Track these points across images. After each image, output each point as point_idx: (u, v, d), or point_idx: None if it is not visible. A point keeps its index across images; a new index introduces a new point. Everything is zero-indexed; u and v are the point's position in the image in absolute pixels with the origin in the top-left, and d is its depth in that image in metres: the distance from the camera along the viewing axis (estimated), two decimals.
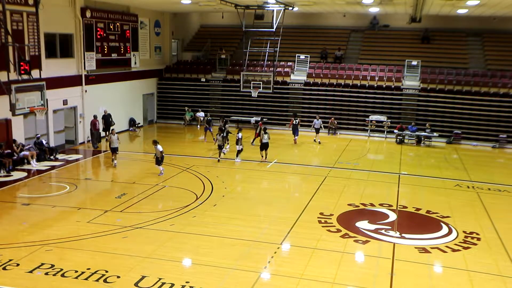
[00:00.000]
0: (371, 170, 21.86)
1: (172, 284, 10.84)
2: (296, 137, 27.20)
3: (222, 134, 22.80)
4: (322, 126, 28.21)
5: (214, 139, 25.87)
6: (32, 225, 14.28)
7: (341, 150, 25.75)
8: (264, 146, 22.84)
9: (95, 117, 25.07)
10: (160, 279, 11.05)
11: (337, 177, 20.57)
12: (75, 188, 18.02)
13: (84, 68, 25.74)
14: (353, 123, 30.87)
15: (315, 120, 28.04)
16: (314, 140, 27.62)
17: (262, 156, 22.89)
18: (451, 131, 29.02)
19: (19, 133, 21.59)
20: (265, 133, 22.78)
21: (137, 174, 20.66)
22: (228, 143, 24.69)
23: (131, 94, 30.71)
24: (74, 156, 23.32)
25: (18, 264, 11.66)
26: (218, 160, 22.72)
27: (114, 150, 21.30)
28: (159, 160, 19.99)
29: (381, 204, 17.04)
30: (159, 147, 19.74)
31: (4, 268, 11.44)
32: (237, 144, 23.01)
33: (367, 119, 30.26)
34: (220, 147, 22.72)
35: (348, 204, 16.92)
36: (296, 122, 27.27)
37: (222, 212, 15.84)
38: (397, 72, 31.97)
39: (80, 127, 25.91)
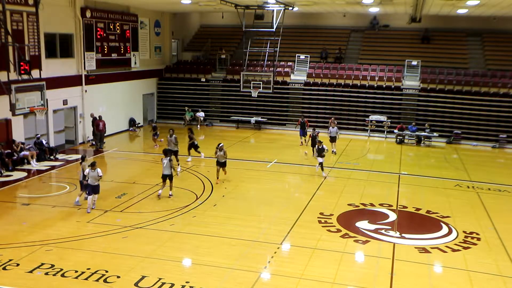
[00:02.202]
0: (371, 170, 21.85)
1: (172, 284, 10.85)
2: (303, 138, 26.46)
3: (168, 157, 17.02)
4: (339, 135, 25.18)
5: (155, 145, 24.91)
6: (32, 225, 14.28)
7: (341, 150, 25.73)
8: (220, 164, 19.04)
9: (99, 117, 25.01)
10: (160, 279, 11.05)
11: (337, 177, 20.56)
12: (75, 188, 17.98)
13: (84, 68, 25.74)
14: (353, 123, 30.85)
15: (330, 127, 24.98)
16: (333, 151, 24.56)
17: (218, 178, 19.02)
18: (451, 131, 29.01)
19: (19, 133, 21.59)
20: (221, 150, 18.80)
21: (137, 174, 20.65)
22: (178, 164, 20.35)
23: (131, 94, 30.70)
24: (74, 156, 23.28)
25: (18, 264, 11.67)
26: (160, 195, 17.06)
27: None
28: (97, 189, 15.46)
29: (381, 204, 17.04)
30: (99, 171, 15.28)
31: (4, 268, 11.45)
32: (319, 155, 20.25)
33: (367, 119, 30.26)
34: (169, 177, 17.02)
35: (348, 204, 16.92)
36: (303, 121, 26.45)
37: (222, 212, 15.84)
38: (397, 72, 31.96)
39: (80, 127, 25.91)
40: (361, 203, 17.10)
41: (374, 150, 27.26)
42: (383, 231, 14.53)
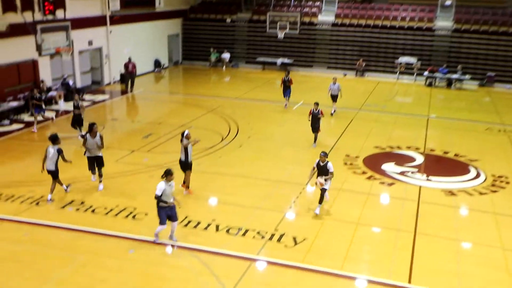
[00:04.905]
0: (399, 113, 21.45)
1: (199, 222, 11.05)
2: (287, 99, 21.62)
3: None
4: (341, 93, 20.53)
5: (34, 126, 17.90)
6: (63, 164, 14.48)
7: (369, 93, 25.24)
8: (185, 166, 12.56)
9: (129, 59, 24.92)
10: (186, 216, 11.24)
11: (364, 120, 20.27)
12: (102, 128, 18.18)
13: (108, 9, 25.43)
14: (382, 65, 30.09)
15: (331, 83, 20.73)
16: (332, 112, 20.64)
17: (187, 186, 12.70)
18: (484, 73, 28.06)
19: (46, 73, 21.73)
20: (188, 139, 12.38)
21: (163, 114, 20.74)
22: (101, 182, 12.94)
23: (156, 35, 30.37)
24: (100, 97, 23.47)
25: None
26: None
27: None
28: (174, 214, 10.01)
29: (408, 147, 16.82)
30: (173, 184, 9.89)
31: (37, 204, 11.82)
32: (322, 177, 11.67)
33: (396, 61, 29.43)
34: (53, 175, 11.97)
35: (375, 147, 16.74)
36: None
37: (247, 152, 15.89)
38: (429, 12, 30.68)
39: (106, 68, 25.93)
40: (388, 146, 16.90)
41: (403, 92, 26.67)
42: (409, 174, 14.40)
